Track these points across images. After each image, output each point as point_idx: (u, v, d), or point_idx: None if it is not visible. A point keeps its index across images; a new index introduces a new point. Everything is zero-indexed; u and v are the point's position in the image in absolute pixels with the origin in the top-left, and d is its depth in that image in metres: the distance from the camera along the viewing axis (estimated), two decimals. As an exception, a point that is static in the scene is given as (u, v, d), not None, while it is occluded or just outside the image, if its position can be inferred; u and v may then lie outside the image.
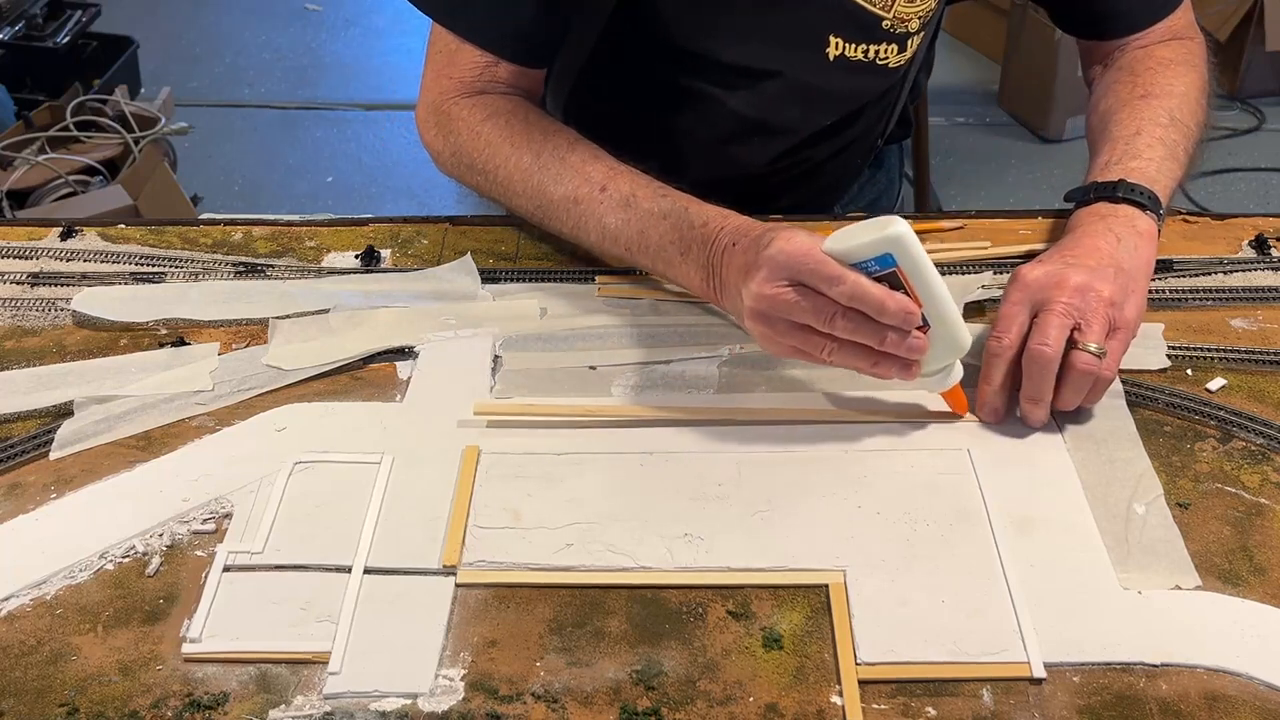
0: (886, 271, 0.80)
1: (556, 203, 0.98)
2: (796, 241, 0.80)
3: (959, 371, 0.85)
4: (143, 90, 3.07)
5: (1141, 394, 0.90)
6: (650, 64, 1.09)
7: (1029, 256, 0.99)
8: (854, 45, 1.03)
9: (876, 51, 1.04)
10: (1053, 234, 1.07)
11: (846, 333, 0.81)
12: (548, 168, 0.98)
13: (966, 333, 0.83)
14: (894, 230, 0.78)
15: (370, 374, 0.94)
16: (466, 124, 1.03)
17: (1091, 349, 0.84)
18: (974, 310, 0.99)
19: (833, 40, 1.03)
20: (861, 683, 0.70)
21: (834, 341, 0.82)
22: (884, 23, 1.02)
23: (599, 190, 0.95)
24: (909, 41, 1.05)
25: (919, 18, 1.04)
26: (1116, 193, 0.95)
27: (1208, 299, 1.01)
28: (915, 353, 0.81)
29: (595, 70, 1.12)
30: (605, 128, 1.08)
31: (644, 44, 1.07)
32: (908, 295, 0.80)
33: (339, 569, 0.77)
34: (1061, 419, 0.88)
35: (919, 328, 0.81)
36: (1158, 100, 1.03)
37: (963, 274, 1.04)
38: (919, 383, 0.86)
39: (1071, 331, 0.85)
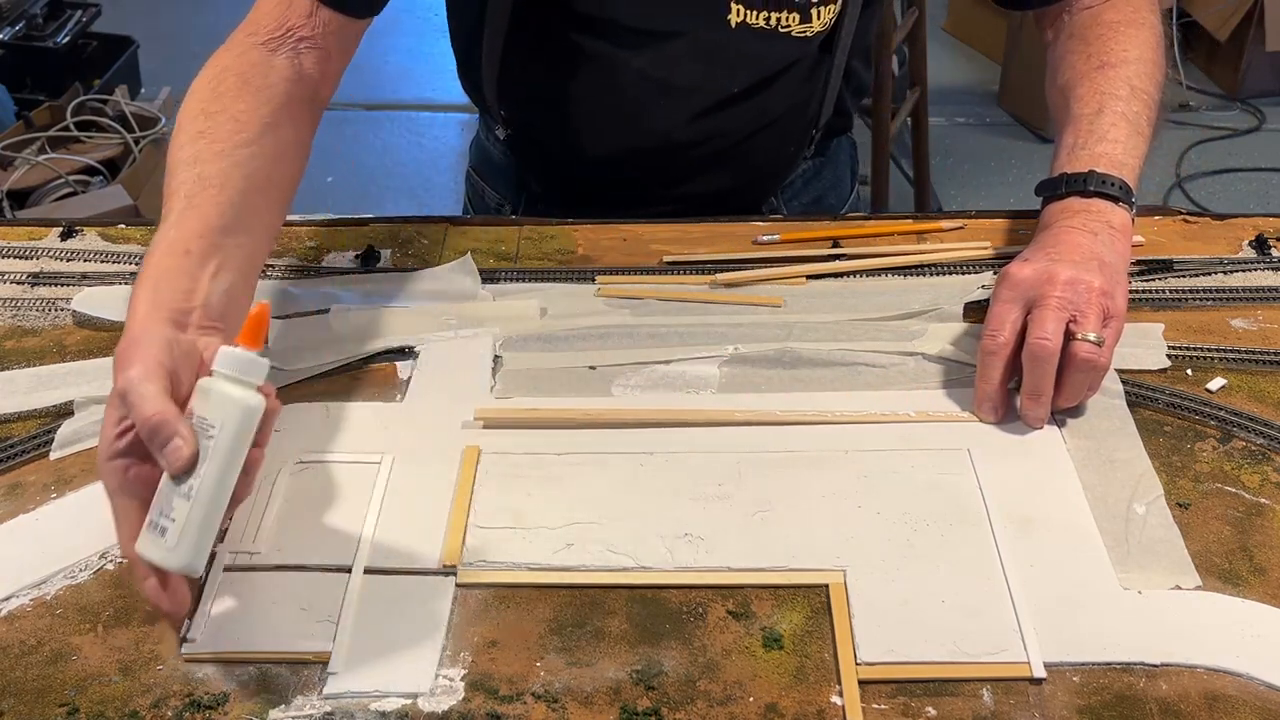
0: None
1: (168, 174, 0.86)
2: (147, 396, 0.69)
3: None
4: (143, 90, 3.08)
5: (1141, 394, 0.90)
6: (557, 29, 1.11)
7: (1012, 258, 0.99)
8: (755, 12, 1.06)
9: (779, 19, 1.07)
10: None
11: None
12: (183, 147, 0.88)
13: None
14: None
15: (370, 374, 0.94)
16: (209, 64, 1.00)
17: (1091, 338, 0.84)
18: (975, 310, 0.99)
19: (734, 7, 1.05)
20: (861, 683, 0.70)
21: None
22: None
23: (176, 198, 0.84)
24: (812, 12, 1.07)
25: None
26: (1088, 186, 0.95)
27: (1208, 299, 1.01)
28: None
29: (516, 40, 1.14)
30: (530, 97, 1.10)
31: (550, 9, 1.09)
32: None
33: (339, 569, 0.77)
34: (1061, 419, 0.88)
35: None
36: (1114, 70, 1.03)
37: (963, 274, 1.04)
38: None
39: (1067, 324, 0.85)
